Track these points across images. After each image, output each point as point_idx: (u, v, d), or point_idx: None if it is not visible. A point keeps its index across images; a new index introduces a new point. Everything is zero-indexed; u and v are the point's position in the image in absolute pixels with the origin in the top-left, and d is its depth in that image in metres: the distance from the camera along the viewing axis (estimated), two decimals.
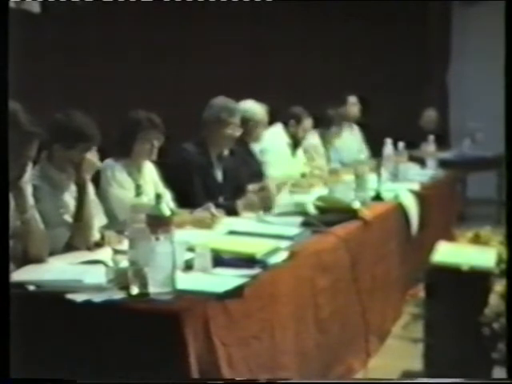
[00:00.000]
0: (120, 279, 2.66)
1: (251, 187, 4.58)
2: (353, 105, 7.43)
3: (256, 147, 5.28)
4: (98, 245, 3.34)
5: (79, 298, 2.58)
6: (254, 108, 5.09)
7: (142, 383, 2.48)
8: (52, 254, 3.11)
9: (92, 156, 3.33)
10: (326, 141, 6.32)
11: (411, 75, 8.75)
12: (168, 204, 3.68)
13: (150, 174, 4.08)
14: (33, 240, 2.99)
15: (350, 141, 6.98)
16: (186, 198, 4.11)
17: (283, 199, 4.33)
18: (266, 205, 4.18)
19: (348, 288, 3.83)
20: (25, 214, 2.96)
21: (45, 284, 2.71)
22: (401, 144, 5.95)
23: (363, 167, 4.81)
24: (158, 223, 2.57)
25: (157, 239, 2.56)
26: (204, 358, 2.51)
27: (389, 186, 5.28)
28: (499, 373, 3.13)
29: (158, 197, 2.66)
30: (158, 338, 2.46)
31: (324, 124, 6.29)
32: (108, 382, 2.49)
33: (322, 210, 4.06)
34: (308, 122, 5.84)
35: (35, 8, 6.16)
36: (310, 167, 5.84)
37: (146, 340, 2.47)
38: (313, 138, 6.27)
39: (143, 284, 2.59)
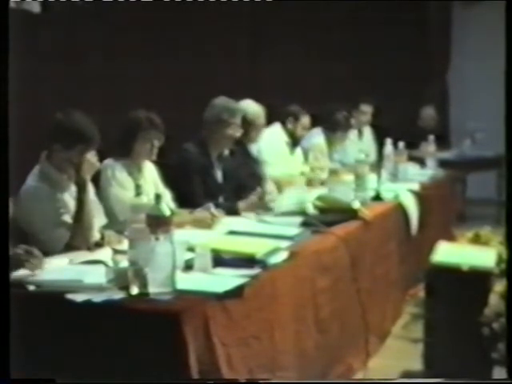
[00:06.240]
0: (120, 279, 2.66)
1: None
2: (364, 113, 7.46)
3: (254, 147, 5.28)
4: (98, 245, 3.34)
5: (79, 297, 2.58)
6: (251, 108, 5.07)
7: (142, 383, 2.48)
8: (52, 254, 3.11)
9: (92, 157, 3.33)
10: (330, 143, 6.33)
11: (411, 75, 8.75)
12: (168, 204, 3.67)
13: (150, 173, 4.07)
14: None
15: (356, 144, 6.98)
16: (186, 198, 4.11)
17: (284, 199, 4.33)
18: (266, 205, 4.19)
19: (348, 288, 3.83)
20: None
21: (45, 284, 2.72)
22: (401, 144, 5.95)
23: (363, 167, 4.80)
24: (157, 223, 2.57)
25: (157, 239, 2.56)
26: (204, 358, 2.51)
27: (388, 186, 5.28)
28: (499, 373, 3.13)
29: (158, 197, 2.66)
30: (158, 337, 2.46)
31: (330, 128, 6.29)
32: (108, 382, 2.49)
33: (321, 209, 4.06)
34: (306, 120, 5.85)
35: (35, 8, 6.16)
36: (311, 167, 5.83)
37: (146, 340, 2.47)
38: (318, 138, 6.28)
39: (143, 284, 2.59)
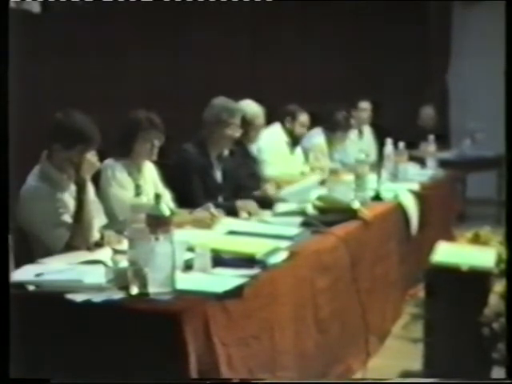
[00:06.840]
0: (120, 279, 2.66)
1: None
2: (363, 110, 7.47)
3: (254, 147, 5.28)
4: (98, 245, 3.34)
5: (79, 297, 2.58)
6: (251, 108, 5.07)
7: (142, 383, 2.48)
8: (52, 254, 3.11)
9: (92, 157, 3.33)
10: (331, 143, 6.33)
11: (411, 75, 8.75)
12: (168, 204, 3.68)
13: (150, 173, 4.07)
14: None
15: (356, 144, 6.98)
16: (186, 198, 4.11)
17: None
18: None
19: (348, 288, 3.83)
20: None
21: (45, 284, 2.72)
22: (401, 144, 5.95)
23: (363, 167, 4.80)
24: (157, 223, 2.57)
25: (156, 239, 2.56)
26: (204, 358, 2.51)
27: (388, 186, 5.28)
28: (499, 373, 3.13)
29: (158, 197, 2.66)
30: (158, 338, 2.46)
31: (331, 128, 6.30)
32: (108, 382, 2.49)
33: (321, 210, 4.06)
34: (304, 118, 5.85)
35: (35, 8, 6.15)
36: (311, 167, 5.83)
37: (146, 340, 2.47)
38: (319, 138, 6.28)
39: (143, 284, 2.59)
